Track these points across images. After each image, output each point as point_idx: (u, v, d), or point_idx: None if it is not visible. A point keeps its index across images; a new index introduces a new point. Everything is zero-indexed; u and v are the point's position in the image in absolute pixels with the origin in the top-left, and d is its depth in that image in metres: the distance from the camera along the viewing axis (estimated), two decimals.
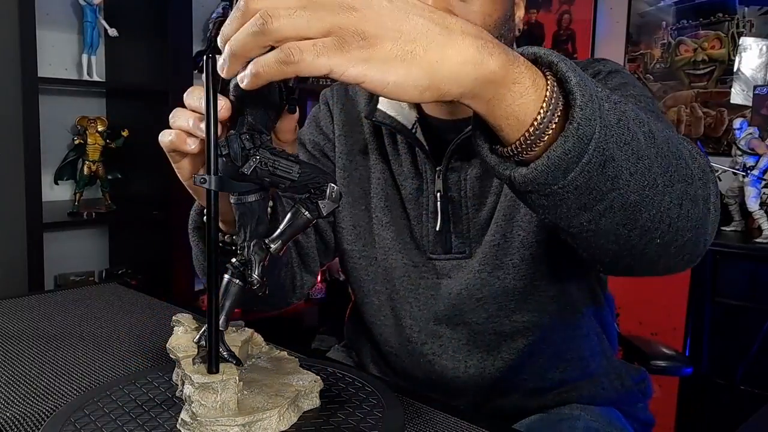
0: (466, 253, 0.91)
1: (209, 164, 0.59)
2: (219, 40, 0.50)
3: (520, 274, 0.88)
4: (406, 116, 0.93)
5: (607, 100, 0.53)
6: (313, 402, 0.66)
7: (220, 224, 0.71)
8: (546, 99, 0.50)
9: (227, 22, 0.49)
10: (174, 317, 0.69)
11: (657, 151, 0.56)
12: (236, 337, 0.68)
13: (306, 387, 0.66)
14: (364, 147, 0.99)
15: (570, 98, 0.50)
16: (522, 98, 0.49)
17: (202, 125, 0.59)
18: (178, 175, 0.68)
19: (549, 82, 0.50)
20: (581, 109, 0.49)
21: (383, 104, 0.94)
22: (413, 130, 0.92)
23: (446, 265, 0.93)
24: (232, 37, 0.48)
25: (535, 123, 0.50)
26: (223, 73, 0.50)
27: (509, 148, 0.52)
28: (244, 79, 0.49)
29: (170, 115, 0.64)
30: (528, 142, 0.50)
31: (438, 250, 0.93)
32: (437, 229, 0.92)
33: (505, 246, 0.88)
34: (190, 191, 0.71)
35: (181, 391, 0.64)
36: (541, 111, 0.50)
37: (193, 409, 0.59)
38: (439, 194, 0.91)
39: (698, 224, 0.62)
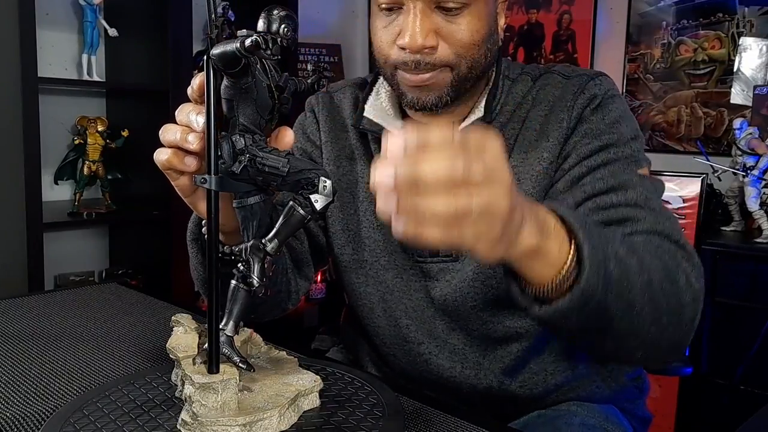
0: (453, 255, 0.92)
1: (209, 164, 0.59)
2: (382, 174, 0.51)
3: None
4: (392, 123, 0.94)
5: (613, 258, 0.64)
6: (313, 402, 0.66)
7: (219, 235, 0.72)
8: (566, 266, 0.62)
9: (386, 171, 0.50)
10: (174, 317, 0.69)
11: (651, 295, 0.67)
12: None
13: (306, 387, 0.66)
14: (351, 153, 1.00)
15: (581, 265, 0.61)
16: (544, 268, 0.62)
17: (190, 137, 0.61)
18: (178, 191, 0.70)
19: (572, 252, 0.62)
20: (587, 280, 0.61)
21: (369, 112, 0.96)
22: None
23: (433, 268, 0.93)
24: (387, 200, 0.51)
25: (550, 283, 0.62)
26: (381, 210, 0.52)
27: (529, 288, 0.65)
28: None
29: (160, 131, 0.65)
30: (540, 293, 0.63)
31: (424, 253, 0.93)
32: None
33: None
34: (190, 206, 0.73)
35: (181, 391, 0.64)
36: (557, 277, 0.62)
37: (194, 409, 0.59)
38: None
39: (682, 339, 0.74)
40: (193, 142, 0.63)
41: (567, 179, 0.86)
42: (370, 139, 0.98)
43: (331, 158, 1.00)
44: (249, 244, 0.63)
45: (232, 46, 0.55)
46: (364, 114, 0.96)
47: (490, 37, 0.87)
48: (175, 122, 0.66)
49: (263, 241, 0.63)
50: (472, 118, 0.91)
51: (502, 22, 0.92)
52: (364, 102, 0.97)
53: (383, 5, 0.85)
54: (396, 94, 0.92)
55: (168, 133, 0.65)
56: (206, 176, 0.59)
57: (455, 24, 0.83)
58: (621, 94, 0.92)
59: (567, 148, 0.87)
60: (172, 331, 0.69)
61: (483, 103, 0.91)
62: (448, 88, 0.86)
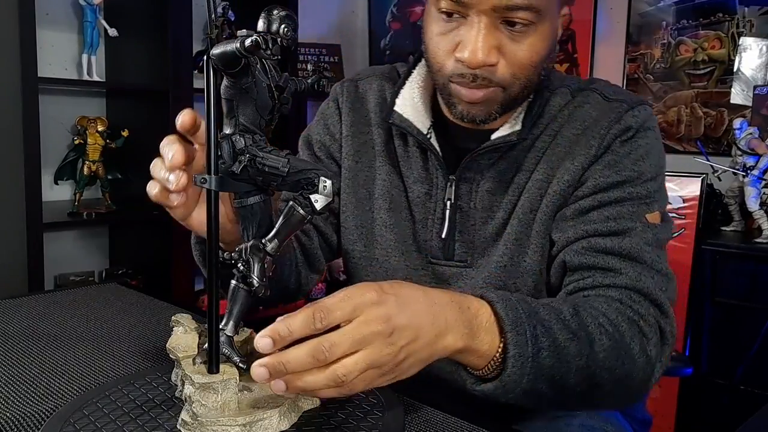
0: (467, 262, 0.92)
1: (209, 164, 0.59)
2: (278, 334, 0.57)
3: None
4: (422, 121, 0.93)
5: (548, 348, 0.68)
6: (313, 402, 0.66)
7: (221, 244, 0.72)
8: (494, 360, 0.67)
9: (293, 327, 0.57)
10: (174, 317, 0.69)
11: (589, 374, 0.72)
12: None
13: None
14: (372, 148, 0.99)
15: (505, 363, 0.67)
16: (475, 360, 0.67)
17: (171, 177, 0.63)
18: (172, 215, 0.72)
19: (500, 348, 0.67)
20: (509, 375, 0.67)
21: (400, 107, 0.94)
22: (428, 135, 0.92)
23: (446, 272, 0.93)
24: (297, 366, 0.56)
25: (481, 372, 0.69)
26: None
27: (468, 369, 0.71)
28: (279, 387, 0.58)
29: (150, 165, 0.67)
30: (475, 375, 0.70)
31: (439, 256, 0.93)
32: (443, 236, 0.92)
33: (512, 269, 0.88)
34: (187, 226, 0.74)
35: (181, 391, 0.64)
36: (487, 367, 0.68)
37: (194, 409, 0.59)
38: (449, 202, 0.91)
39: (634, 397, 0.79)
40: (173, 183, 0.64)
41: (576, 208, 0.85)
42: (395, 134, 0.97)
43: (351, 153, 0.99)
44: (249, 244, 0.62)
45: (232, 46, 0.55)
46: (395, 108, 0.94)
47: (548, 56, 0.85)
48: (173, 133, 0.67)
49: (263, 241, 0.63)
50: (509, 129, 0.89)
51: (559, 35, 0.90)
52: (396, 96, 0.96)
53: (443, 9, 0.81)
54: (445, 102, 0.90)
55: (155, 168, 0.67)
56: (206, 176, 0.59)
57: (518, 43, 0.81)
58: (656, 126, 0.90)
59: (587, 175, 0.86)
60: (172, 331, 0.69)
61: (522, 116, 0.89)
62: (498, 105, 0.85)
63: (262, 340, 0.56)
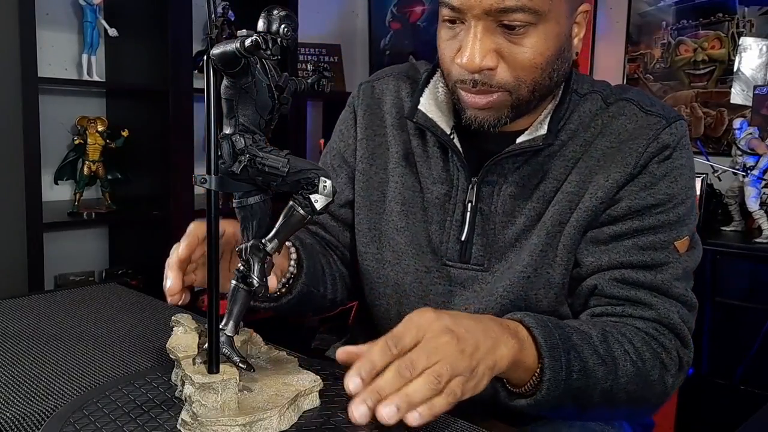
0: (484, 266, 0.90)
1: (209, 164, 0.59)
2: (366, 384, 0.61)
3: (540, 309, 0.87)
4: (446, 121, 0.92)
5: (578, 372, 0.74)
6: (313, 402, 0.66)
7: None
8: (534, 375, 0.73)
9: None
10: (174, 317, 0.69)
11: (610, 397, 0.78)
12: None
13: (306, 387, 0.66)
14: (387, 149, 0.98)
15: (541, 383, 0.72)
16: (521, 374, 0.73)
17: (169, 299, 0.73)
18: None
19: (539, 368, 0.72)
20: (543, 397, 0.72)
21: (424, 105, 0.93)
22: (451, 136, 0.91)
23: (461, 275, 0.91)
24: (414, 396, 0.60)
25: (521, 389, 0.74)
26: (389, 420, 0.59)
27: (506, 384, 0.76)
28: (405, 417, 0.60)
29: (166, 264, 0.75)
30: (516, 392, 0.75)
31: (455, 258, 0.92)
32: (462, 238, 0.91)
33: (536, 280, 0.87)
34: None
35: (181, 391, 0.64)
36: (528, 384, 0.74)
37: (194, 409, 0.59)
38: (470, 204, 0.90)
39: (648, 412, 0.88)
40: (171, 302, 0.74)
41: (609, 233, 0.85)
42: (412, 134, 0.96)
43: (366, 156, 0.99)
44: (249, 244, 0.63)
45: (232, 46, 0.55)
46: (419, 107, 0.93)
47: (557, 57, 0.83)
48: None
49: (263, 241, 0.63)
50: (534, 133, 0.87)
51: (582, 33, 0.87)
52: (420, 94, 0.94)
53: (445, 17, 0.82)
54: (458, 108, 0.88)
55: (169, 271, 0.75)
56: (206, 176, 0.59)
57: (518, 45, 0.80)
58: (689, 143, 0.89)
59: (621, 194, 0.85)
60: (172, 331, 0.69)
61: (547, 121, 0.87)
62: (508, 110, 0.84)
63: (352, 380, 0.61)
